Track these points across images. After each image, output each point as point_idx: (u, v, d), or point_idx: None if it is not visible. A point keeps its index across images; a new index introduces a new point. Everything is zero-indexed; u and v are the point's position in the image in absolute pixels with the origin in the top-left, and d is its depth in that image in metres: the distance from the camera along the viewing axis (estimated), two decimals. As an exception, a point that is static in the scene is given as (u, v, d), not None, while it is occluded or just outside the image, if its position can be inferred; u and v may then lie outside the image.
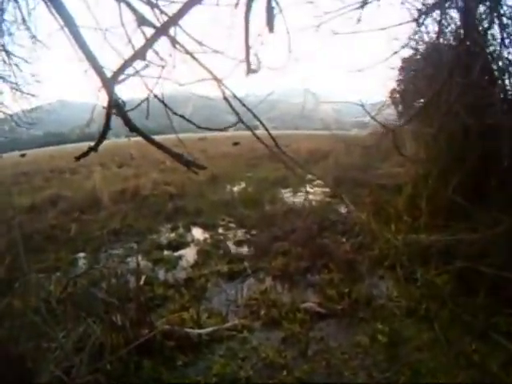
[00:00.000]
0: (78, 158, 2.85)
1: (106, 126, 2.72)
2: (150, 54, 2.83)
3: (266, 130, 3.48)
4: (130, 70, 2.75)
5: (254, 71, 3.16)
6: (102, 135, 2.77)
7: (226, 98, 3.17)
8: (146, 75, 3.05)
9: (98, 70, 2.59)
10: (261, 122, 3.40)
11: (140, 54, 2.65)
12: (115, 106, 2.64)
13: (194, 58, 3.09)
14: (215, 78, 3.14)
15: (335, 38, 5.62)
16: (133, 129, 2.70)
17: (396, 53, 7.17)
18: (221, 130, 3.49)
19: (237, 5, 2.97)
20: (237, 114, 3.23)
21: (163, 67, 3.15)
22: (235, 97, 3.21)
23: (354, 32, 5.82)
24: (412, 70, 10.12)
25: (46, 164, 34.49)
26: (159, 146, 2.84)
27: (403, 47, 7.70)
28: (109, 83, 2.60)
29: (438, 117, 6.92)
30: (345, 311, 5.44)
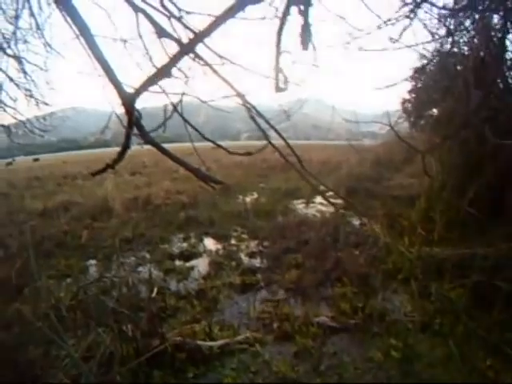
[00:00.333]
0: (94, 174, 2.81)
1: (126, 145, 2.67)
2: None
3: (286, 142, 3.43)
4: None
5: (283, 89, 3.09)
6: (121, 153, 2.73)
7: (252, 117, 3.12)
8: (164, 87, 3.02)
9: (116, 83, 2.54)
10: (281, 137, 3.36)
11: (165, 72, 2.60)
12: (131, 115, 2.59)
13: (215, 72, 3.05)
14: (239, 94, 3.09)
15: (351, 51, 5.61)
16: (150, 142, 2.65)
17: (417, 68, 7.18)
18: (248, 153, 3.40)
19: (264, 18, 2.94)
20: (263, 132, 3.19)
21: (186, 80, 3.12)
22: (256, 111, 3.16)
23: (383, 49, 5.81)
24: (425, 80, 10.08)
25: (59, 169, 34.72)
26: (176, 159, 2.80)
27: (424, 60, 7.69)
28: (129, 99, 2.55)
29: (454, 128, 6.87)
30: (358, 326, 5.35)
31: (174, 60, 2.63)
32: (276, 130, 3.32)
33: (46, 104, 8.00)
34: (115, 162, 2.70)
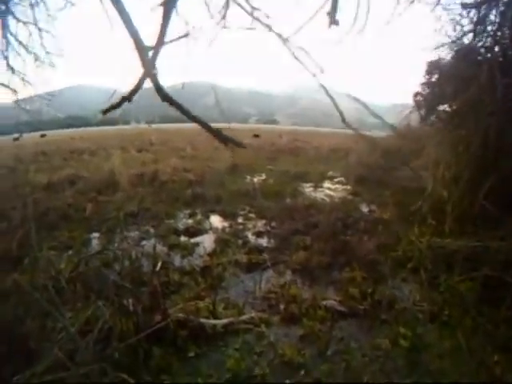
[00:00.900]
0: (105, 112, 2.68)
1: (138, 85, 2.52)
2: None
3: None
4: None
5: (337, 23, 2.94)
6: (135, 90, 2.57)
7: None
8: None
9: (133, 32, 2.41)
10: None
11: None
12: (147, 71, 2.45)
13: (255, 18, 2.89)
14: (280, 36, 2.93)
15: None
16: (165, 98, 2.50)
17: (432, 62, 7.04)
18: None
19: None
20: (340, 113, 3.06)
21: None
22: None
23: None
24: (441, 73, 9.94)
25: (66, 145, 34.87)
26: (195, 118, 2.65)
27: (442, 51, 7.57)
28: (145, 50, 2.41)
29: (473, 119, 6.74)
30: (367, 312, 5.23)
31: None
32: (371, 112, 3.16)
33: (53, 66, 7.92)
34: (131, 95, 2.55)
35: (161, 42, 2.48)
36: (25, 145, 37.90)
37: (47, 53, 7.95)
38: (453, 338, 4.62)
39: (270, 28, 2.91)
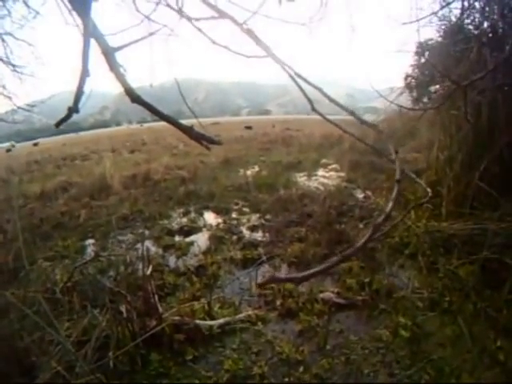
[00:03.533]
0: (57, 125, 2.57)
1: (84, 70, 2.40)
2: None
3: (325, 118, 3.22)
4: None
5: None
6: (76, 97, 2.46)
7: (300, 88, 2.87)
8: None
9: (96, 32, 2.34)
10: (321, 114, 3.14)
11: None
12: (116, 73, 2.37)
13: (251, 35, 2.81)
14: (284, 64, 2.83)
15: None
16: (135, 99, 2.41)
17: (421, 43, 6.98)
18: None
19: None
20: (309, 100, 2.98)
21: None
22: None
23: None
24: (430, 52, 9.91)
25: (58, 152, 35.01)
26: (166, 118, 2.55)
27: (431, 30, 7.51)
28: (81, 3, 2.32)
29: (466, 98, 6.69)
30: (365, 302, 5.17)
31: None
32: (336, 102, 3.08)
33: (32, 76, 7.87)
34: (76, 102, 2.44)
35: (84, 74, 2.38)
36: (17, 155, 38.04)
37: (21, 66, 7.89)
38: (454, 324, 4.56)
39: (221, 12, 2.82)
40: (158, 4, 2.78)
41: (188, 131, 2.47)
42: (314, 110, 3.11)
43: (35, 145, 60.03)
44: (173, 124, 2.54)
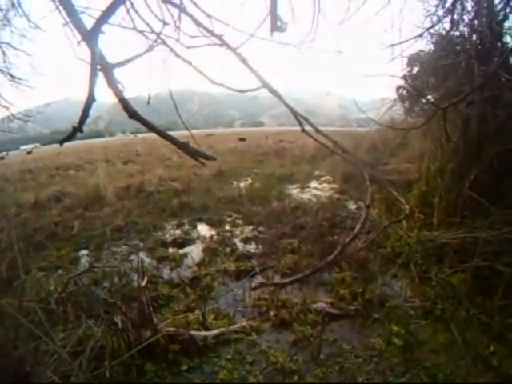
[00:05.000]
0: (61, 143, 2.62)
1: (90, 96, 2.45)
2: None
3: (317, 129, 3.26)
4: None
5: (281, 29, 2.87)
6: (83, 117, 2.51)
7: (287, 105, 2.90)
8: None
9: (76, 21, 2.37)
10: (312, 125, 3.18)
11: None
12: (114, 89, 2.41)
13: (229, 48, 2.84)
14: (262, 81, 2.87)
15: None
16: (132, 115, 2.46)
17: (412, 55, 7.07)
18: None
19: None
20: (297, 119, 3.03)
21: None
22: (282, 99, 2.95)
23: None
24: (421, 64, 10.00)
25: (52, 161, 35.00)
26: (162, 134, 2.60)
27: (419, 36, 7.57)
28: (90, 35, 2.35)
29: (455, 110, 6.77)
30: (358, 312, 5.22)
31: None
32: (307, 120, 3.11)
33: (29, 86, 7.89)
34: (80, 124, 2.48)
35: (94, 73, 2.43)
36: (10, 163, 37.94)
37: (19, 78, 7.92)
38: (447, 331, 4.63)
39: (222, 41, 2.85)
40: (157, 35, 2.79)
41: (183, 147, 2.51)
42: (303, 131, 3.16)
43: (29, 153, 59.97)
44: (169, 140, 2.59)
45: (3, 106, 7.95)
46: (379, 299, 5.42)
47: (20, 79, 7.73)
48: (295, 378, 4.07)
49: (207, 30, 2.85)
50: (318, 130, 3.21)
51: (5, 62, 7.50)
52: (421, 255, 6.47)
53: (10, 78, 7.62)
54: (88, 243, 9.24)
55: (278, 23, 2.79)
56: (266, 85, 2.84)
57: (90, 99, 2.39)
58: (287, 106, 2.96)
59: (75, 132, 2.51)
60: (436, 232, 6.83)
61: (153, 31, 2.89)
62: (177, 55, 2.88)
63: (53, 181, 20.71)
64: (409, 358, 4.27)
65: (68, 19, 2.38)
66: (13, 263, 6.72)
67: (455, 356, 4.23)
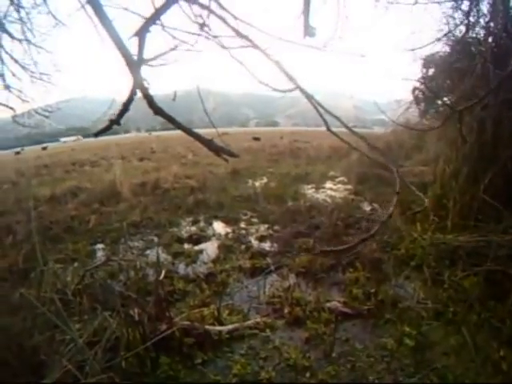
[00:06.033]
0: (97, 134, 2.68)
1: (128, 102, 2.53)
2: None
3: (350, 129, 3.31)
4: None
5: (311, 34, 2.92)
6: (124, 109, 2.57)
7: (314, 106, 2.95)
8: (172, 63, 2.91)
9: (123, 49, 2.43)
10: (344, 124, 3.23)
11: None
12: (139, 85, 2.47)
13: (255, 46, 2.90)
14: (292, 80, 2.92)
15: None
16: (157, 111, 2.52)
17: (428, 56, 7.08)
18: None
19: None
20: (324, 120, 3.07)
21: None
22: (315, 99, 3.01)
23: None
24: (437, 66, 9.96)
25: (67, 157, 35.06)
26: (187, 130, 2.65)
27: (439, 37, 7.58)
28: (135, 65, 2.44)
29: (470, 113, 6.76)
30: (371, 312, 5.25)
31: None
32: (340, 120, 3.17)
33: (49, 82, 7.97)
34: (119, 117, 2.54)
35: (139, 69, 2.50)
36: (26, 158, 38.06)
37: (41, 74, 8.00)
38: (458, 334, 4.64)
39: (252, 43, 2.90)
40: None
41: (208, 144, 2.56)
42: (328, 130, 3.20)
43: (44, 149, 60.00)
44: (193, 136, 2.63)
45: (24, 101, 8.04)
46: (392, 300, 5.43)
47: (43, 74, 7.82)
48: (307, 374, 4.10)
49: (237, 31, 2.90)
50: (351, 130, 3.25)
51: (30, 59, 7.59)
52: (434, 258, 6.48)
53: (30, 73, 7.70)
54: (104, 237, 9.32)
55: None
56: (298, 86, 2.90)
57: (132, 94, 2.45)
58: (315, 106, 3.01)
59: (112, 124, 2.57)
60: (450, 235, 6.82)
61: (202, 28, 2.94)
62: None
63: (69, 176, 20.84)
64: (419, 358, 4.30)
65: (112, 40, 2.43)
66: (29, 255, 6.80)
67: (465, 359, 4.25)
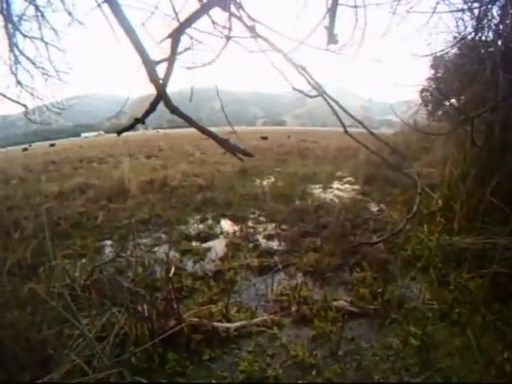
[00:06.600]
0: (119, 132, 2.73)
1: (152, 107, 2.58)
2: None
3: (370, 132, 3.37)
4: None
5: (334, 41, 2.98)
6: (149, 110, 2.62)
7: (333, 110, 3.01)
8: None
9: (140, 50, 2.47)
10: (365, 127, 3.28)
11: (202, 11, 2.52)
12: (156, 85, 2.52)
13: (274, 47, 2.94)
14: (315, 84, 2.97)
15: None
16: (174, 110, 2.56)
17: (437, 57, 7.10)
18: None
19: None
20: (342, 123, 3.14)
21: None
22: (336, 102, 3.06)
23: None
24: (445, 67, 9.97)
25: (75, 154, 35.21)
26: (203, 129, 2.70)
27: (451, 45, 7.59)
28: (153, 66, 2.48)
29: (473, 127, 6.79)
30: (377, 311, 5.27)
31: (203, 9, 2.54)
32: (362, 124, 3.23)
33: (60, 80, 8.05)
34: (144, 117, 2.59)
35: (170, 72, 2.54)
36: (34, 154, 38.21)
37: (57, 71, 8.08)
38: (463, 336, 4.64)
39: (272, 44, 2.94)
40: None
41: (223, 143, 2.61)
42: (346, 132, 3.25)
43: (52, 145, 60.21)
44: (209, 135, 2.67)
45: (37, 98, 8.11)
46: (398, 300, 5.44)
47: (60, 72, 7.89)
48: (314, 372, 4.12)
49: (258, 35, 2.94)
50: (373, 135, 3.31)
51: (41, 56, 7.65)
52: (440, 259, 6.49)
53: (42, 70, 7.78)
54: (112, 234, 9.37)
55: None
56: (321, 94, 2.94)
57: (160, 95, 2.50)
58: (335, 111, 3.04)
59: (136, 123, 2.62)
60: (456, 237, 6.82)
61: (229, 31, 2.97)
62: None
63: (76, 173, 20.91)
64: (424, 358, 4.31)
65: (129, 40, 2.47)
66: (37, 250, 6.85)
67: (469, 360, 4.25)
